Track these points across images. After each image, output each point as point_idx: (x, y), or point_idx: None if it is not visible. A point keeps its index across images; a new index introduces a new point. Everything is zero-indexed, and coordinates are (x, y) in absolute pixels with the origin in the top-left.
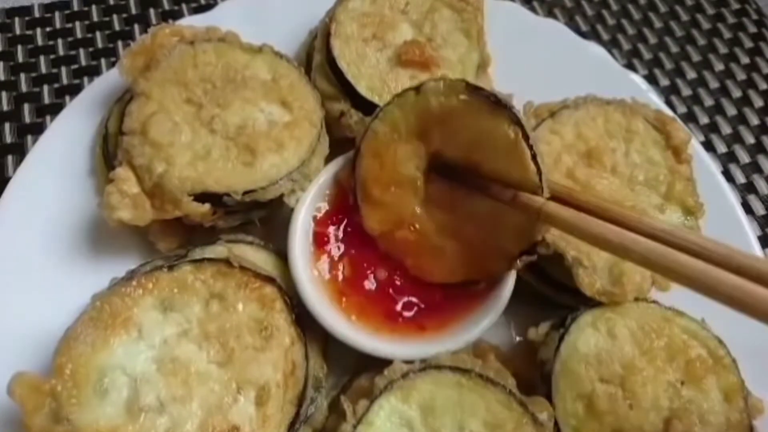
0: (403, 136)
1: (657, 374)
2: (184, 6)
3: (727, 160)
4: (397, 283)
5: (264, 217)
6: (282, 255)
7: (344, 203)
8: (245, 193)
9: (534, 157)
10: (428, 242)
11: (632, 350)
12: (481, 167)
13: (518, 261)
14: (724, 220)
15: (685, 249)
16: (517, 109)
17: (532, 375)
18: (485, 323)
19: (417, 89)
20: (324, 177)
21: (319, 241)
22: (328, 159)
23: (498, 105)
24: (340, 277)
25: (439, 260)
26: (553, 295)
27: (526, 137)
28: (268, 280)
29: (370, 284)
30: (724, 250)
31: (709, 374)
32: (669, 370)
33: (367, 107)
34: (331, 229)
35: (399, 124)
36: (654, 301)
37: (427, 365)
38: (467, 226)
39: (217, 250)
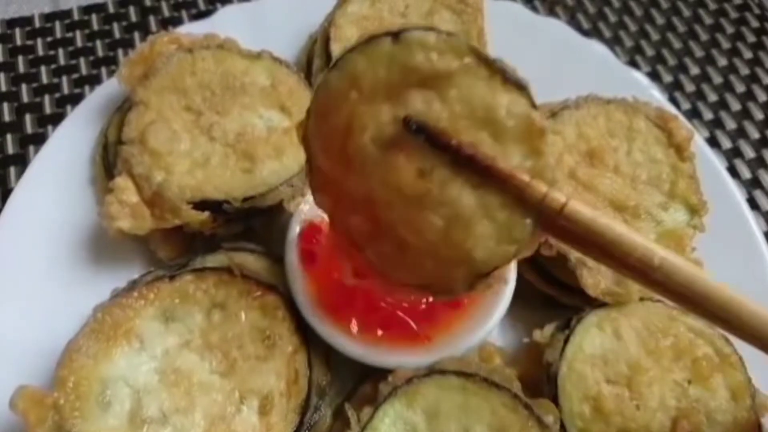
0: (364, 94)
1: (663, 374)
2: (184, 12)
3: (732, 155)
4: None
5: (265, 224)
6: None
7: None
8: (245, 199)
9: None
10: (386, 235)
11: (638, 350)
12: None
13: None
14: (729, 216)
15: None
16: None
17: (538, 377)
18: (485, 330)
19: (395, 35)
20: None
21: (308, 256)
22: None
23: (515, 81)
24: (334, 290)
25: (396, 257)
26: (558, 296)
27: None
28: (270, 288)
29: (364, 296)
30: None
31: (715, 373)
32: (675, 369)
33: None
34: (323, 241)
35: (361, 79)
36: (659, 301)
37: (432, 370)
38: (434, 224)
39: (219, 259)
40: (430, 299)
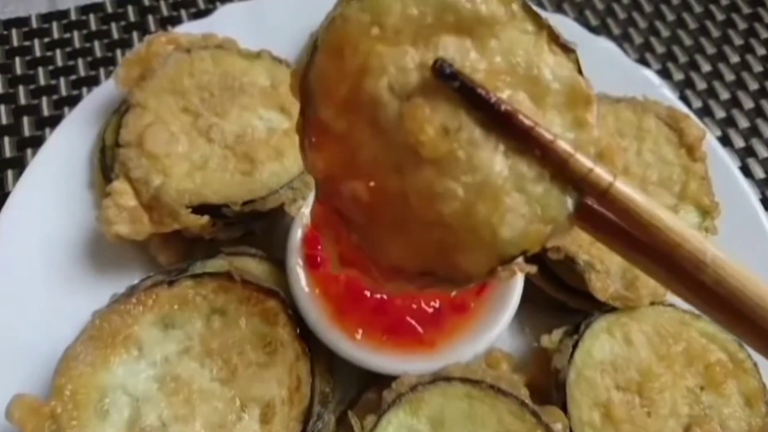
0: (388, 34)
1: (675, 380)
2: (183, 12)
3: (745, 154)
4: (398, 296)
5: (266, 228)
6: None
7: None
8: (244, 203)
9: None
10: (387, 208)
11: (649, 356)
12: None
13: (500, 270)
14: (742, 217)
15: None
16: None
17: (546, 383)
18: (492, 335)
19: None
20: None
21: (312, 261)
22: None
23: (563, 43)
24: (339, 293)
25: (397, 235)
26: (567, 300)
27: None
28: (271, 293)
29: (369, 300)
30: None
31: (729, 379)
32: (687, 375)
33: None
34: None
35: (387, 14)
36: (670, 305)
37: (437, 377)
38: (454, 195)
39: (218, 264)
40: (437, 302)
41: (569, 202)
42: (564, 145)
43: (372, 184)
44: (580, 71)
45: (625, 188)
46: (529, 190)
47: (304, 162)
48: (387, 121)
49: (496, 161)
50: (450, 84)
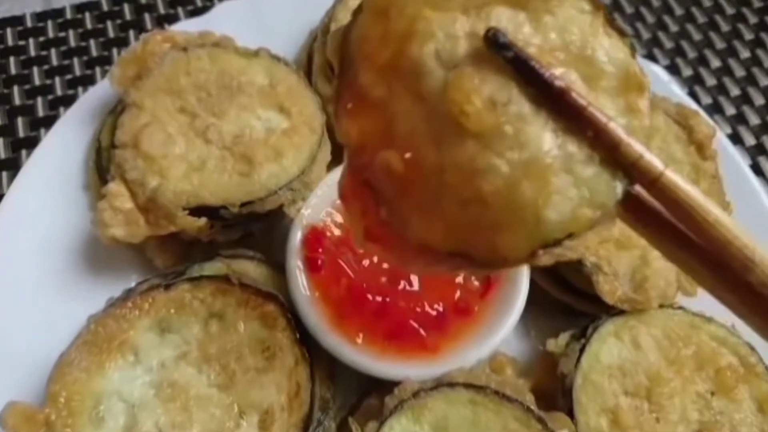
0: None
1: (685, 385)
2: (180, 9)
3: (756, 152)
4: (401, 299)
5: (264, 230)
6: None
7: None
8: (243, 204)
9: None
10: (421, 181)
11: (658, 360)
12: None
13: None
14: (754, 217)
15: None
16: None
17: (552, 388)
18: (496, 339)
19: None
20: (322, 189)
21: (312, 264)
22: (331, 166)
23: (618, 27)
24: (339, 297)
25: (429, 211)
26: (573, 303)
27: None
28: (270, 297)
29: (371, 303)
30: None
31: (740, 383)
32: (698, 380)
33: None
34: (327, 246)
35: None
36: (680, 307)
37: (439, 383)
38: (497, 171)
39: (216, 267)
40: (440, 305)
41: (619, 188)
42: (617, 128)
43: (408, 155)
44: (633, 56)
45: (676, 178)
46: (578, 172)
47: (336, 129)
48: (429, 90)
49: (546, 139)
50: (503, 54)
